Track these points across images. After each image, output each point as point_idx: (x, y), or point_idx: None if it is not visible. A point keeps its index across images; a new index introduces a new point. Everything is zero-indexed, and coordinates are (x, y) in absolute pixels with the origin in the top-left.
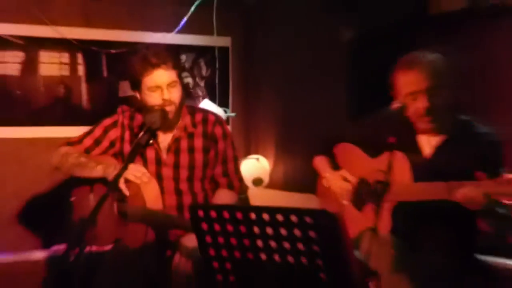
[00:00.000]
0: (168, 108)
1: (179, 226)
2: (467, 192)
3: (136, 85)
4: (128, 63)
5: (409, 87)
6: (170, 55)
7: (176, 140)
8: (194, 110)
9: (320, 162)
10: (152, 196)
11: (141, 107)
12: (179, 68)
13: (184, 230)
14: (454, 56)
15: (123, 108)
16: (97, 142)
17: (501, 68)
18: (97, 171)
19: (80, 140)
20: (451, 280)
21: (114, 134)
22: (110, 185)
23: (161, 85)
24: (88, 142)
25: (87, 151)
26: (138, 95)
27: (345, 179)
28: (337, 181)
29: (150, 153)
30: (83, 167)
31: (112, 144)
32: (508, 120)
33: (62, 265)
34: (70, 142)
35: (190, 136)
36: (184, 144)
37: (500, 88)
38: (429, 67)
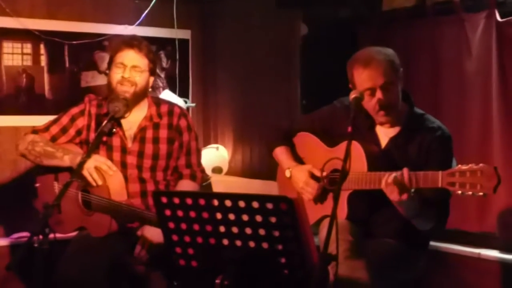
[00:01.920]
0: (125, 88)
1: (143, 219)
2: (387, 180)
3: (109, 62)
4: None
5: (366, 83)
6: (149, 46)
7: (142, 130)
8: (159, 101)
9: (282, 154)
10: (117, 187)
11: (108, 96)
12: (152, 60)
13: (148, 224)
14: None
15: (90, 97)
16: (64, 130)
17: (446, 64)
18: (64, 161)
19: (46, 127)
20: (404, 264)
21: (81, 122)
22: (74, 172)
23: (126, 64)
24: (54, 130)
25: (54, 139)
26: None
27: (313, 176)
28: (302, 180)
29: (116, 141)
30: (50, 156)
31: (78, 132)
32: (452, 115)
33: (26, 251)
34: (36, 129)
35: (156, 126)
36: (149, 133)
37: (445, 83)
38: (385, 63)
